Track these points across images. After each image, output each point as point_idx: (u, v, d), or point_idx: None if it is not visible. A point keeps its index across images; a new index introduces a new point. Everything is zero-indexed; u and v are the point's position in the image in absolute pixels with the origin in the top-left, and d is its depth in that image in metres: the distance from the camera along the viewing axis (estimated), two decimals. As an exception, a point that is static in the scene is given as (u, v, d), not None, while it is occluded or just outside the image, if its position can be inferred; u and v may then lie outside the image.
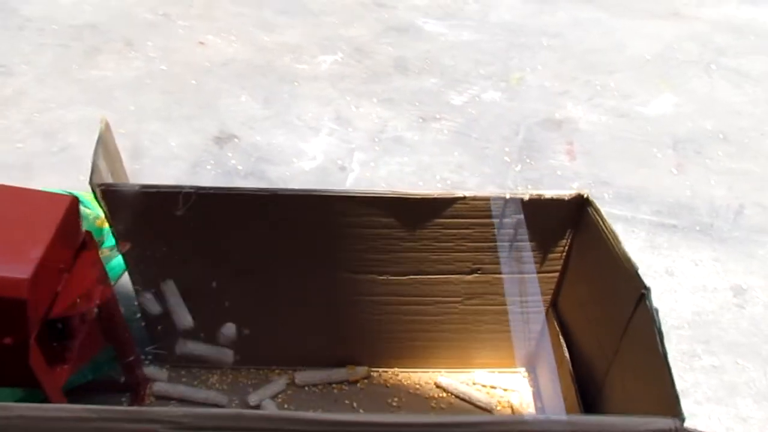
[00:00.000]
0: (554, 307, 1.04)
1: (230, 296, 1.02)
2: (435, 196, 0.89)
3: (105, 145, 0.89)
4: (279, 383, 1.11)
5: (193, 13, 2.23)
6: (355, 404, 1.09)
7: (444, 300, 1.03)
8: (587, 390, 0.95)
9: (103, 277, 0.91)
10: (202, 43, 2.09)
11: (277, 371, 1.13)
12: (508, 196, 0.89)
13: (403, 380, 1.13)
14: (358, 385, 1.12)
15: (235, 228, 0.93)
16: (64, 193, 1.07)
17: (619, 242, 0.82)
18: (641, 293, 0.75)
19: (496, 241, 0.94)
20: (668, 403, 0.65)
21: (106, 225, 0.94)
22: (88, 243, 0.86)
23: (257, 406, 1.07)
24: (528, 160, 1.64)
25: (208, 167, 1.60)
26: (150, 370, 1.11)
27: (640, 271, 0.77)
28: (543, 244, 0.96)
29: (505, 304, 1.03)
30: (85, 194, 1.03)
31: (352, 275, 0.99)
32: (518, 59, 2.04)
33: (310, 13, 2.27)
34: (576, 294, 0.98)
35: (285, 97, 1.86)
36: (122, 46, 2.04)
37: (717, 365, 1.16)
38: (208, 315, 1.05)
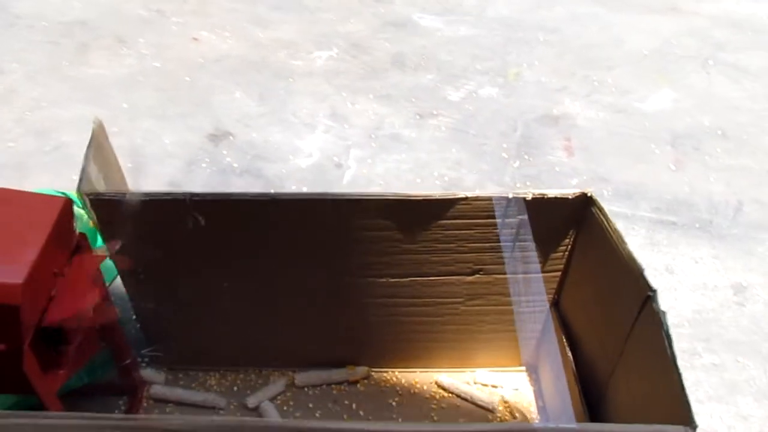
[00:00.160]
0: (556, 307, 1.03)
1: (229, 298, 1.01)
2: (436, 197, 0.88)
3: (98, 147, 0.87)
4: (278, 384, 1.09)
5: (186, 9, 2.21)
6: (354, 405, 1.08)
7: (445, 301, 1.01)
8: (590, 391, 0.94)
9: (98, 279, 0.89)
10: (195, 39, 2.07)
11: (276, 372, 1.12)
12: (510, 196, 0.88)
13: (403, 380, 1.12)
14: (358, 385, 1.11)
15: (232, 232, 0.92)
16: (57, 193, 1.05)
17: (623, 242, 0.81)
18: (647, 295, 0.74)
19: (498, 242, 0.93)
20: (679, 409, 0.64)
21: (101, 226, 0.93)
22: (83, 245, 0.84)
23: (256, 408, 1.06)
24: (526, 157, 1.62)
25: (203, 165, 1.58)
26: (147, 373, 1.09)
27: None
28: (545, 243, 0.95)
29: (507, 304, 1.02)
30: (79, 194, 1.01)
31: (352, 278, 0.98)
32: (515, 54, 2.03)
33: (305, 9, 2.25)
34: (578, 294, 0.97)
35: (280, 93, 1.84)
36: (114, 42, 2.02)
37: (717, 363, 1.16)
38: (207, 318, 1.03)
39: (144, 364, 1.10)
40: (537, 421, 1.05)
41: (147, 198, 0.86)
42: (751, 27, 2.15)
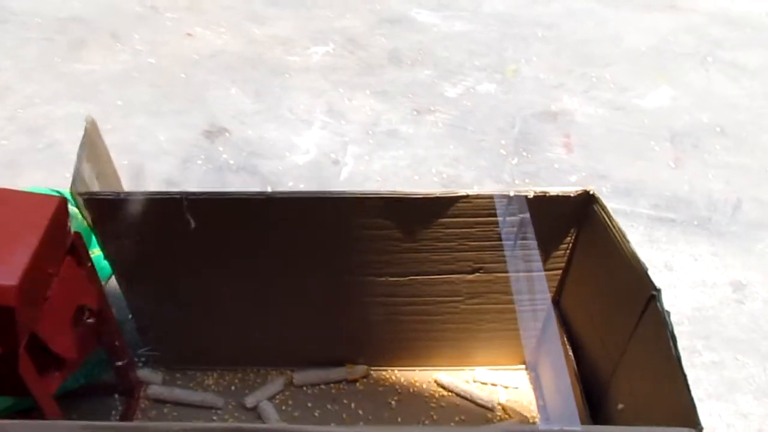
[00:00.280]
0: (557, 306, 1.03)
1: (227, 297, 1.00)
2: (437, 195, 0.87)
3: (92, 145, 0.86)
4: (277, 384, 1.09)
5: (180, 4, 2.19)
6: (353, 404, 1.07)
7: (445, 300, 1.01)
8: (591, 390, 0.94)
9: (94, 279, 0.88)
10: (190, 35, 2.05)
11: (274, 371, 1.11)
12: (512, 194, 0.87)
13: (402, 379, 1.11)
14: (357, 384, 1.10)
15: (230, 231, 0.91)
16: (51, 192, 1.03)
17: (627, 241, 0.80)
18: (651, 294, 0.74)
19: (498, 240, 0.92)
20: (684, 410, 0.64)
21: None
22: (78, 245, 0.83)
23: (254, 408, 1.05)
24: (524, 153, 1.62)
25: (199, 162, 1.57)
26: (144, 373, 1.08)
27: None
28: (546, 241, 0.94)
29: (507, 303, 1.01)
30: (73, 192, 1.00)
31: (351, 277, 0.97)
32: (512, 50, 2.02)
33: (301, 5, 2.23)
34: (580, 292, 0.97)
35: (276, 89, 1.82)
36: (108, 39, 2.00)
37: (717, 361, 1.16)
38: (205, 317, 1.02)
39: (141, 364, 1.09)
40: (538, 420, 1.04)
41: (143, 198, 0.85)
42: (749, 24, 2.15)
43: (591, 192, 0.87)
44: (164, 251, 0.93)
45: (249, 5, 2.20)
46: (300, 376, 1.09)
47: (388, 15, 2.19)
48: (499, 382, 1.10)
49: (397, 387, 1.10)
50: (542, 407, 1.06)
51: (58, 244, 0.78)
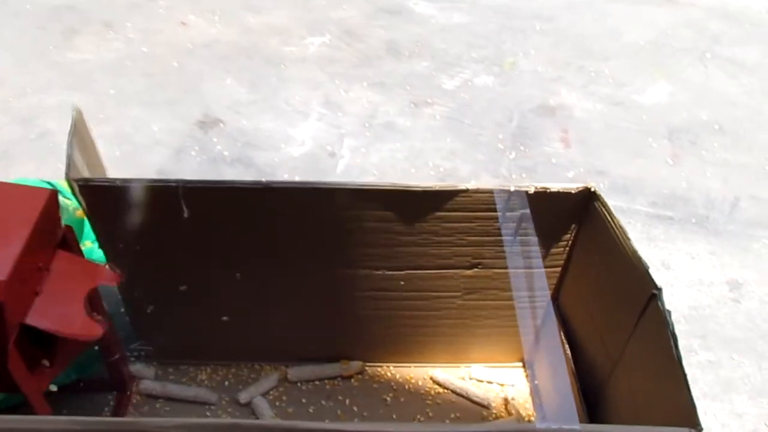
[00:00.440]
0: (555, 303, 1.02)
1: (221, 290, 0.98)
2: (436, 188, 0.85)
3: (80, 135, 0.84)
4: (271, 379, 1.07)
5: (174, -9, 2.15)
6: (348, 400, 1.06)
7: (442, 295, 1.00)
8: (588, 387, 0.93)
9: (94, 263, 0.86)
10: (184, 23, 2.02)
11: (268, 367, 1.10)
12: (512, 189, 0.86)
13: (397, 375, 1.10)
14: (352, 380, 1.09)
15: (225, 221, 0.89)
16: (42, 183, 1.01)
17: (628, 239, 0.79)
18: (652, 293, 0.73)
19: (497, 235, 0.91)
20: (683, 411, 0.63)
21: (88, 216, 0.89)
22: (69, 238, 0.81)
23: (248, 404, 1.04)
24: (522, 148, 1.60)
25: (193, 153, 1.55)
26: (136, 368, 1.06)
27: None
28: (545, 237, 0.93)
29: (505, 299, 1.00)
30: (65, 183, 0.98)
31: (348, 270, 0.96)
32: (511, 43, 2.00)
33: (297, -6, 2.20)
34: (579, 290, 0.96)
35: (272, 80, 1.80)
36: (101, 27, 1.97)
37: (713, 360, 1.15)
38: (198, 311, 1.01)
39: (133, 359, 1.08)
40: (534, 418, 1.03)
41: (138, 185, 0.83)
42: (747, 20, 2.14)
43: (592, 189, 0.86)
44: (159, 241, 0.91)
45: (243, -6, 2.18)
46: (294, 372, 1.08)
47: (386, 6, 2.17)
48: (496, 379, 1.09)
49: (393, 383, 1.09)
50: (539, 405, 1.05)
51: (48, 238, 0.76)
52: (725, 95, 1.80)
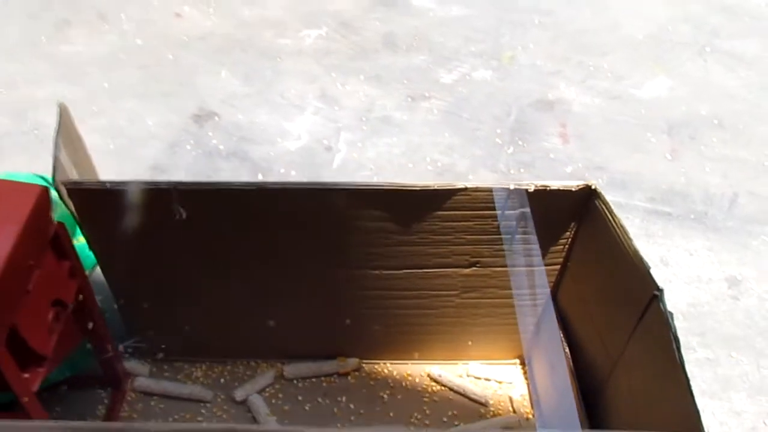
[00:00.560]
0: (553, 301, 1.01)
1: (216, 288, 0.97)
2: (434, 187, 0.84)
3: (66, 132, 0.82)
4: (267, 376, 1.06)
5: (169, -18, 2.12)
6: (345, 398, 1.05)
7: (440, 294, 0.99)
8: (588, 387, 0.93)
9: (78, 269, 0.85)
10: (178, 15, 1.99)
11: (264, 364, 1.09)
12: (512, 187, 0.84)
13: (395, 372, 1.09)
14: (349, 378, 1.08)
15: (219, 221, 0.88)
16: (35, 177, 1.00)
17: (629, 238, 0.78)
18: (653, 294, 0.72)
19: (496, 233, 0.90)
20: (685, 413, 0.62)
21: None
22: (61, 235, 0.79)
23: (244, 401, 1.03)
24: (520, 143, 1.59)
25: (188, 147, 1.53)
26: (131, 365, 1.05)
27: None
28: (544, 235, 0.92)
29: (503, 297, 0.99)
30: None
31: (345, 269, 0.94)
32: (509, 36, 1.98)
33: (293, -15, 2.17)
34: (578, 289, 0.95)
35: (267, 73, 1.78)
36: (95, 18, 1.94)
37: (711, 358, 1.15)
38: (193, 308, 0.99)
39: (127, 355, 1.06)
40: (532, 416, 1.03)
41: (129, 188, 0.82)
42: (747, 13, 2.12)
43: (593, 187, 0.85)
44: (151, 242, 0.90)
45: (239, -15, 2.15)
46: (291, 369, 1.07)
47: (383, -2, 2.14)
48: (493, 377, 1.09)
49: (390, 381, 1.08)
50: (536, 403, 1.05)
51: (39, 235, 0.74)
52: (724, 89, 1.79)
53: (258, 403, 1.02)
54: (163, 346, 1.05)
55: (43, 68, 1.72)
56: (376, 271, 0.95)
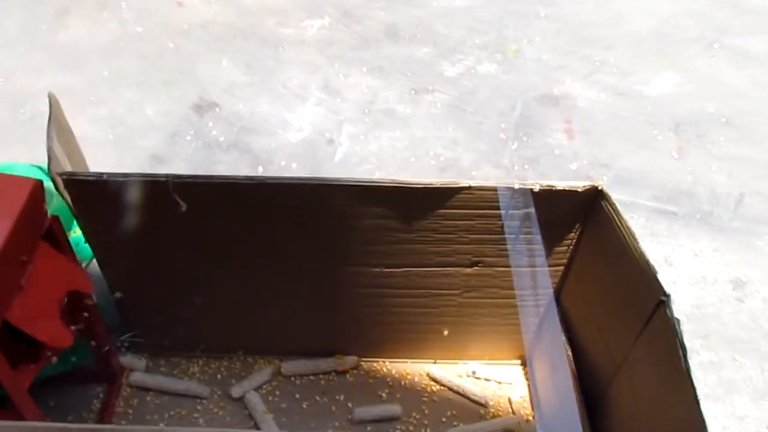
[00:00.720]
0: (556, 302, 0.99)
1: (214, 283, 0.95)
2: (438, 185, 0.82)
3: (58, 124, 0.80)
4: (264, 373, 1.05)
5: (171, -31, 2.09)
6: (343, 396, 1.04)
7: (442, 293, 0.97)
8: (590, 390, 0.91)
9: (73, 263, 0.83)
10: (179, 3, 1.97)
11: (262, 360, 1.08)
12: (516, 186, 0.83)
13: (393, 371, 1.08)
14: (347, 375, 1.07)
15: (217, 215, 0.86)
16: (33, 168, 0.98)
17: (636, 241, 0.77)
18: (660, 300, 0.70)
19: (500, 233, 0.88)
20: (691, 423, 0.61)
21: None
22: (55, 228, 0.78)
23: (241, 398, 1.02)
24: (525, 138, 1.57)
25: (188, 138, 1.51)
26: (126, 359, 1.04)
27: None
28: (549, 235, 0.90)
29: (505, 297, 0.97)
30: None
31: (345, 267, 0.93)
32: (514, 29, 1.95)
33: (297, -26, 2.14)
34: (582, 291, 0.93)
35: (269, 63, 1.76)
36: (94, 6, 1.91)
37: (715, 361, 1.13)
38: (190, 303, 0.98)
39: (123, 350, 1.05)
40: (532, 418, 1.01)
41: (127, 180, 0.80)
42: (753, 9, 2.09)
43: (599, 187, 0.83)
44: (148, 235, 0.88)
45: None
46: (288, 366, 1.06)
47: (387, -12, 2.11)
48: (494, 377, 1.07)
49: (388, 379, 1.07)
50: (537, 404, 1.03)
51: (33, 229, 0.73)
52: (732, 86, 1.77)
53: (255, 400, 1.01)
54: (159, 341, 1.04)
55: (42, 57, 1.70)
56: (377, 269, 0.93)
